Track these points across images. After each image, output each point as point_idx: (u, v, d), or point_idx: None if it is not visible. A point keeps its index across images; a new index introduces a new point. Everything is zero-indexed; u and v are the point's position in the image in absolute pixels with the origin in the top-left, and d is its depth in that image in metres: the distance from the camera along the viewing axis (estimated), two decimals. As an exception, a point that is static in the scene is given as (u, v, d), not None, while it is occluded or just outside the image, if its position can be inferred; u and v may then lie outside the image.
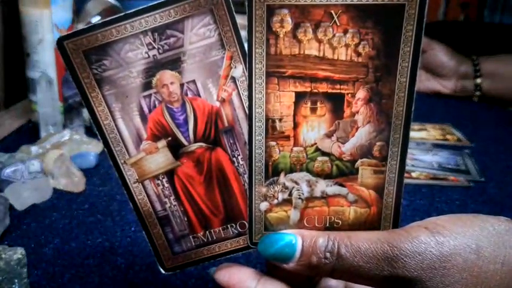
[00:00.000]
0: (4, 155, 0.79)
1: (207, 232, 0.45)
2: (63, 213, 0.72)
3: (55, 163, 0.78)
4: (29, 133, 1.00)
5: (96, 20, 1.06)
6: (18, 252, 0.52)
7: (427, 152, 0.99)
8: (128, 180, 0.44)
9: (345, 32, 0.39)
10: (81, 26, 1.05)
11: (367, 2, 0.38)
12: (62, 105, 0.97)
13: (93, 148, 0.89)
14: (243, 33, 0.40)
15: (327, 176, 0.42)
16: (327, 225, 0.43)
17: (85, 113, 1.04)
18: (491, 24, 1.98)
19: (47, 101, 0.93)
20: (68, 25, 0.98)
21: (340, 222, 0.43)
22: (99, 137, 0.43)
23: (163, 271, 0.46)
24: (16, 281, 0.52)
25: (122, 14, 0.39)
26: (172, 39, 0.41)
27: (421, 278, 0.36)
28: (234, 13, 0.40)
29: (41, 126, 0.94)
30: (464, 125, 1.16)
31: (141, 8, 0.39)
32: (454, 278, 0.36)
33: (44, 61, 0.97)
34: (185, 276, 0.59)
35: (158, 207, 0.45)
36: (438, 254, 0.36)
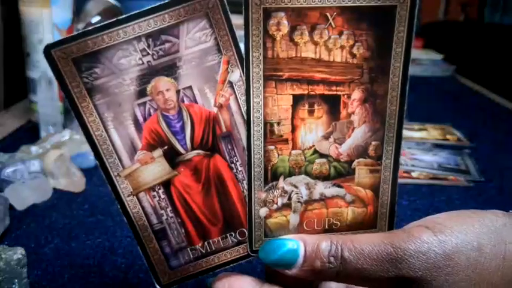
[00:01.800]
0: (4, 155, 0.78)
1: (206, 243, 0.44)
2: (63, 213, 0.72)
3: (55, 163, 0.77)
4: (29, 133, 1.00)
5: (96, 20, 1.06)
6: (18, 252, 0.52)
7: (427, 152, 0.99)
8: (121, 194, 0.42)
9: (340, 33, 0.39)
10: (81, 26, 1.06)
11: (361, 4, 0.39)
12: (62, 105, 0.97)
13: None
14: (240, 33, 0.39)
15: (325, 178, 0.42)
16: (326, 227, 0.43)
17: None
18: (491, 24, 1.99)
19: (47, 101, 0.92)
20: (68, 25, 0.98)
21: (339, 223, 0.43)
22: (90, 149, 0.41)
23: None
24: (16, 281, 0.51)
25: (114, 19, 0.38)
26: (167, 45, 0.39)
27: (426, 278, 0.36)
28: (230, 17, 0.39)
29: (41, 126, 0.94)
30: (464, 125, 1.17)
31: (134, 13, 0.38)
32: (458, 276, 0.36)
33: (44, 61, 0.96)
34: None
35: (154, 220, 0.43)
36: (442, 252, 0.36)
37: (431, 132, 1.10)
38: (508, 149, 1.06)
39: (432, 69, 1.69)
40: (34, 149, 0.82)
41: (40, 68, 0.96)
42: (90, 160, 0.85)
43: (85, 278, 0.58)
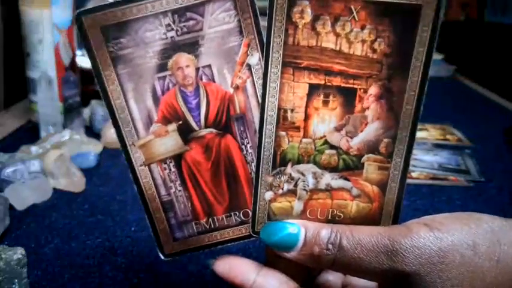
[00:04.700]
0: (4, 155, 0.80)
1: (210, 219, 0.45)
2: (63, 213, 0.73)
3: (55, 163, 0.79)
4: (29, 133, 1.01)
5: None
6: (18, 252, 0.53)
7: (428, 152, 0.99)
8: (134, 163, 0.44)
9: (363, 27, 0.41)
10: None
11: (386, 0, 0.40)
12: (62, 105, 0.99)
13: (93, 148, 0.90)
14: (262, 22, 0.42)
15: (332, 169, 0.43)
16: (329, 218, 0.44)
17: (85, 113, 1.04)
18: (491, 24, 1.98)
19: (47, 101, 0.94)
20: (68, 25, 1.00)
21: (342, 215, 0.44)
22: (109, 116, 0.43)
23: (162, 257, 0.46)
24: (16, 281, 0.52)
25: None
26: (191, 22, 0.41)
27: (419, 273, 0.38)
28: (255, 1, 0.41)
29: (41, 126, 0.96)
30: (464, 125, 1.16)
31: None
32: (451, 273, 0.37)
33: (44, 61, 0.99)
34: (186, 275, 0.60)
35: (163, 191, 0.45)
36: (437, 249, 0.38)
37: (432, 132, 1.11)
38: (508, 149, 1.05)
39: (432, 69, 1.67)
40: (34, 149, 0.85)
41: (40, 68, 0.99)
42: (90, 160, 0.88)
43: (85, 278, 0.59)
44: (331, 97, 0.42)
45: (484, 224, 0.39)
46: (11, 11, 1.13)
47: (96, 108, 1.02)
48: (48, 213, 0.72)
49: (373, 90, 0.42)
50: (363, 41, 0.41)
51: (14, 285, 0.52)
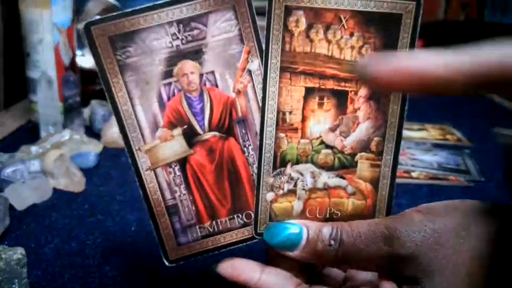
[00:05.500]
0: (4, 155, 0.80)
1: (214, 222, 0.47)
2: (63, 213, 0.73)
3: (55, 163, 0.79)
4: (29, 133, 1.02)
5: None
6: (18, 252, 0.53)
7: (427, 152, 0.99)
8: (140, 168, 0.46)
9: (351, 35, 0.44)
10: (81, 26, 1.05)
11: (371, 10, 0.43)
12: (62, 105, 1.00)
13: (93, 148, 0.91)
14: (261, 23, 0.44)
15: (329, 168, 0.46)
16: (327, 216, 0.46)
17: (85, 113, 1.04)
18: (491, 23, 1.98)
19: (47, 101, 0.95)
20: (68, 25, 1.00)
21: (339, 213, 0.46)
22: (116, 122, 0.45)
23: (167, 263, 0.47)
24: (16, 281, 0.53)
25: (151, 4, 0.43)
26: (195, 31, 0.44)
27: (416, 254, 0.39)
28: (254, 11, 0.44)
29: (41, 126, 0.97)
30: (464, 125, 1.16)
31: (169, 0, 0.43)
32: (447, 252, 0.39)
33: (44, 61, 1.00)
34: (186, 275, 0.60)
35: (168, 195, 0.46)
36: (430, 231, 0.39)
37: (431, 132, 1.12)
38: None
39: (432, 70, 1.67)
40: (34, 149, 0.85)
41: (40, 68, 1.00)
42: (90, 160, 0.89)
43: (85, 278, 0.60)
44: (325, 99, 0.45)
45: (479, 207, 0.40)
46: (11, 11, 1.13)
47: (96, 108, 1.03)
48: (48, 213, 0.73)
49: (363, 92, 0.45)
50: (352, 47, 0.44)
51: (14, 285, 0.52)
